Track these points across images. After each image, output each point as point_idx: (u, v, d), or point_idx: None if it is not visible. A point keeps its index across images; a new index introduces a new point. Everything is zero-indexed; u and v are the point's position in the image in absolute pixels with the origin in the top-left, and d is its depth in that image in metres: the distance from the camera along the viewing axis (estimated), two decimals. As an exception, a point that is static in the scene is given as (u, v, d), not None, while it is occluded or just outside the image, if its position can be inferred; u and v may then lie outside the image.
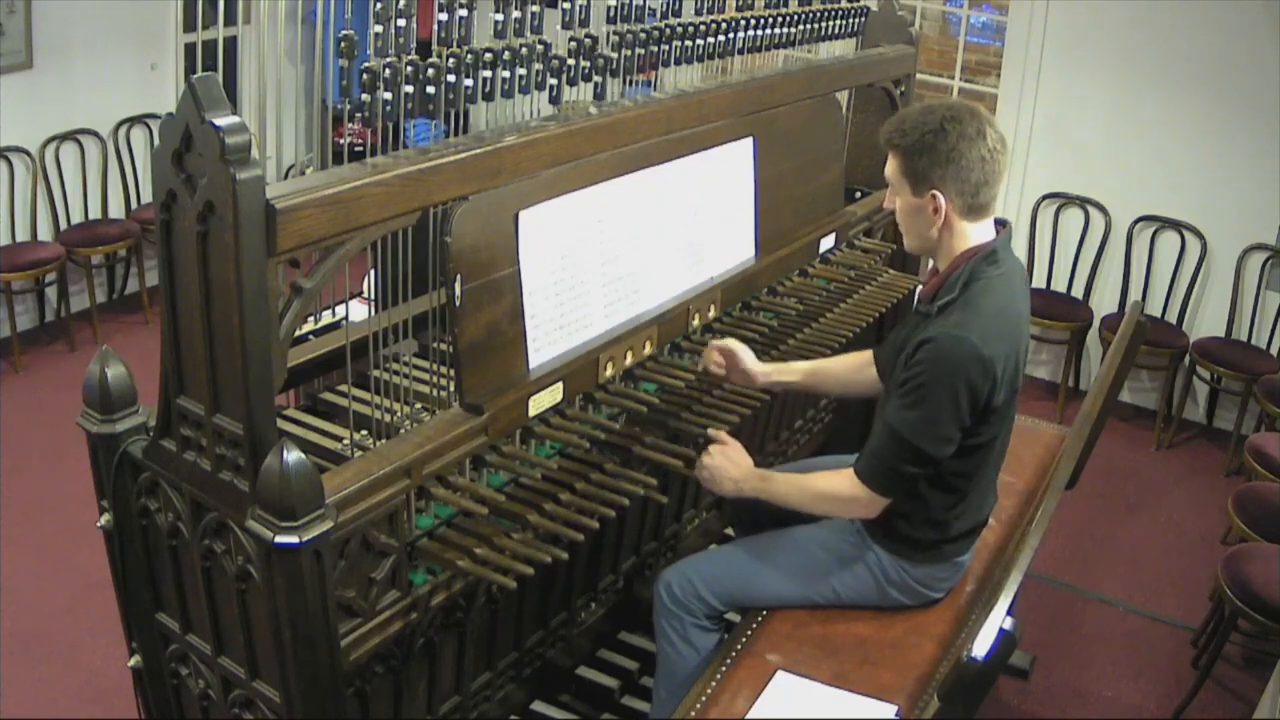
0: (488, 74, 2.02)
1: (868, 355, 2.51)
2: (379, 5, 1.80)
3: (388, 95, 1.85)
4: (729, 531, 3.07)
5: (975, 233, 2.11)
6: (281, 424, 1.99)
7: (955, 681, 1.90)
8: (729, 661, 2.19)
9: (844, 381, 2.54)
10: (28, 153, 4.99)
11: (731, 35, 2.70)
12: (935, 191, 2.06)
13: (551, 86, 2.18)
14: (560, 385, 2.19)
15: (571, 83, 2.24)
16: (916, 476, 2.12)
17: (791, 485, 2.25)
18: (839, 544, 2.29)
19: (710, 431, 2.34)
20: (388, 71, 1.84)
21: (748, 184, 2.84)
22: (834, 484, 2.19)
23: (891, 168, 2.13)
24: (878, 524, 2.23)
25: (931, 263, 2.22)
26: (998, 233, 2.15)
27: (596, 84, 2.29)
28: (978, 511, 2.28)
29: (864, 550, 2.27)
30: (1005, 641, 1.85)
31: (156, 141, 1.68)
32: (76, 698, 3.06)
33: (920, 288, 2.25)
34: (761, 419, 3.04)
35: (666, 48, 2.49)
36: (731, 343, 2.46)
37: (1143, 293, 5.09)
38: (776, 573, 2.31)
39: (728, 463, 2.27)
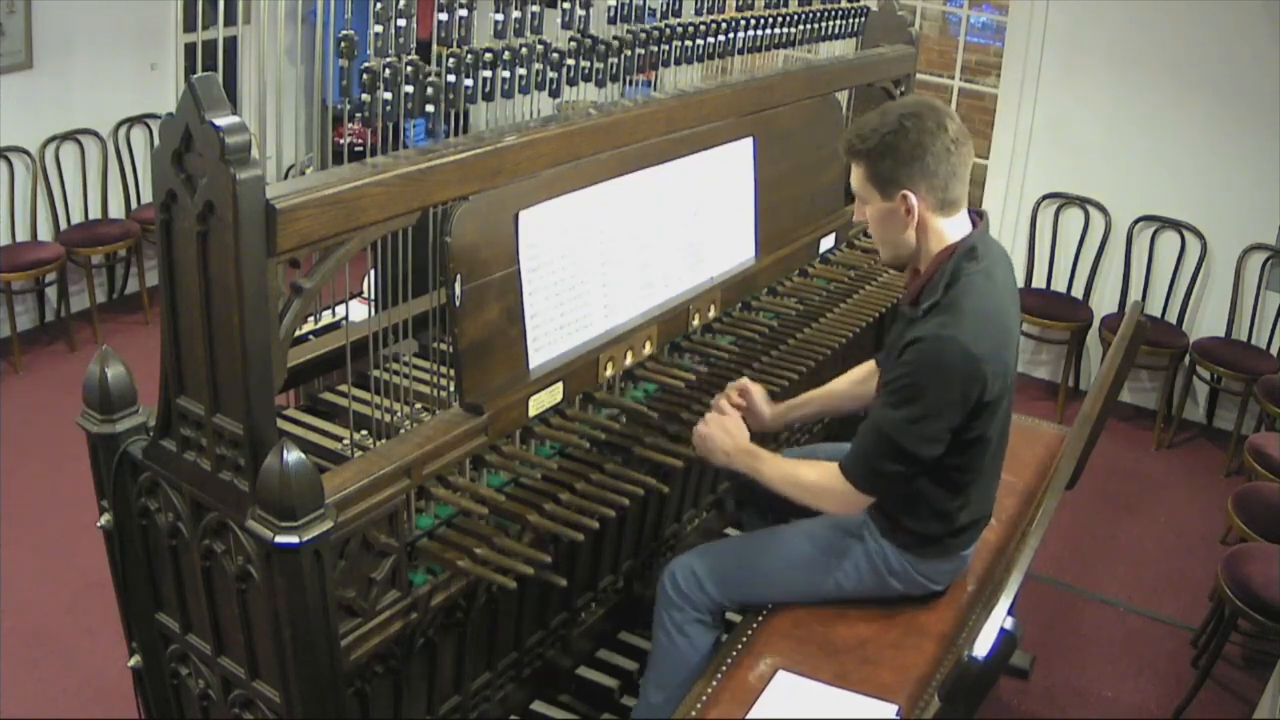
0: (488, 74, 2.02)
1: (870, 365, 2.52)
2: (379, 5, 1.80)
3: (388, 95, 1.85)
4: (729, 532, 3.07)
5: (950, 229, 2.10)
6: (281, 424, 1.99)
7: (956, 681, 1.90)
8: (729, 661, 2.19)
9: (853, 395, 2.54)
10: (28, 153, 4.99)
11: (731, 35, 2.70)
12: (905, 192, 2.04)
13: (552, 80, 2.18)
14: (560, 385, 2.19)
15: (571, 82, 2.24)
16: (901, 475, 2.11)
17: (779, 470, 2.24)
18: (844, 537, 2.29)
19: (713, 401, 2.34)
20: (388, 71, 1.84)
21: (748, 184, 2.84)
22: (818, 476, 2.19)
23: (857, 177, 2.11)
24: (883, 518, 2.23)
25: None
26: (974, 225, 2.13)
27: (598, 72, 2.29)
28: (981, 503, 2.28)
29: (869, 543, 2.27)
30: (1006, 641, 1.85)
31: (156, 141, 1.68)
32: (76, 698, 3.06)
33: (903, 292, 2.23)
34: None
35: (666, 48, 2.49)
36: (749, 382, 2.44)
37: (1143, 293, 5.09)
38: (780, 565, 2.31)
39: (723, 434, 2.26)
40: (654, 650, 2.36)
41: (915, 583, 2.29)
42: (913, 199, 2.05)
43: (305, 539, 1.61)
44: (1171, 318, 5.03)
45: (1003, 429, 2.21)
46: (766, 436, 3.12)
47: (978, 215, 2.16)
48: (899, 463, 2.08)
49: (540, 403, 2.14)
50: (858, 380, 2.54)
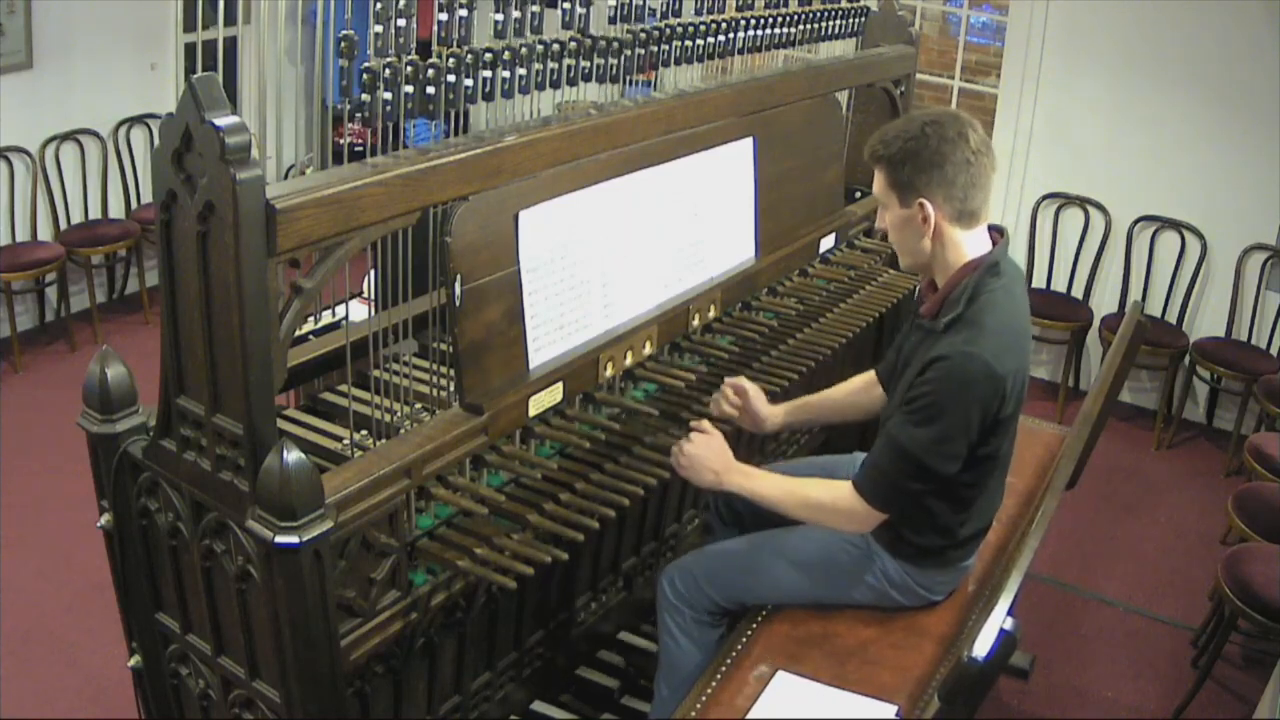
0: (488, 74, 2.02)
1: (869, 376, 2.51)
2: (379, 5, 1.80)
3: (388, 95, 1.85)
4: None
5: (970, 243, 2.08)
6: (281, 424, 1.99)
7: (955, 682, 1.90)
8: (729, 661, 2.19)
9: (850, 406, 2.53)
10: (28, 153, 4.99)
11: (731, 35, 2.70)
12: (923, 200, 2.04)
13: (552, 71, 2.17)
14: (560, 385, 2.19)
15: (572, 82, 2.24)
16: (921, 493, 2.10)
17: (779, 488, 2.21)
18: (842, 546, 2.28)
19: (693, 423, 2.31)
20: (388, 71, 1.84)
21: (748, 184, 2.84)
22: (829, 494, 2.16)
23: (878, 183, 2.10)
24: (883, 530, 2.21)
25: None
26: (994, 241, 2.12)
27: (601, 69, 2.28)
28: (984, 517, 2.27)
29: (868, 553, 2.26)
30: (1005, 642, 1.85)
31: (156, 141, 1.68)
32: (76, 698, 3.06)
33: (919, 303, 2.21)
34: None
35: (666, 48, 2.49)
36: (745, 381, 2.44)
37: (1143, 293, 5.09)
38: (777, 571, 2.31)
39: (709, 452, 2.22)
40: (661, 652, 2.36)
41: (915, 594, 2.29)
42: (929, 207, 2.04)
43: (305, 539, 1.61)
44: (1171, 318, 5.03)
45: (1011, 444, 2.20)
46: (754, 448, 3.12)
47: (998, 232, 2.14)
48: (921, 481, 2.06)
49: (540, 403, 2.14)
50: (855, 390, 2.53)
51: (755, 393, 2.43)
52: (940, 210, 2.04)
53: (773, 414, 2.46)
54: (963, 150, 2.01)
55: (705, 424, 2.29)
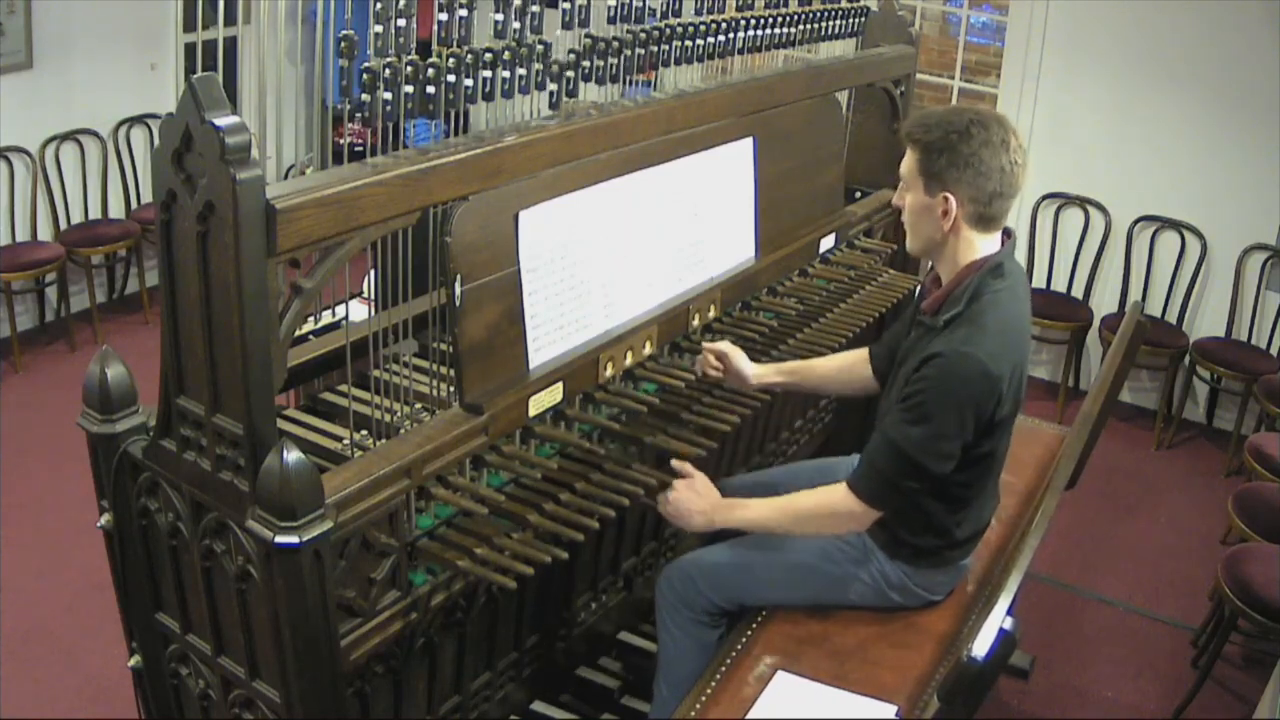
0: (488, 74, 2.02)
1: (861, 353, 2.50)
2: (379, 5, 1.80)
3: (388, 95, 1.85)
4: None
5: (982, 244, 2.08)
6: (281, 424, 1.99)
7: (955, 681, 1.90)
8: (729, 661, 2.19)
9: (836, 380, 2.55)
10: (28, 153, 4.98)
11: (731, 35, 2.70)
12: (948, 194, 2.03)
13: (551, 93, 2.18)
14: (560, 385, 2.19)
15: (571, 93, 2.23)
16: (916, 491, 2.10)
17: (771, 509, 2.21)
18: (840, 548, 2.28)
19: (674, 463, 2.28)
20: (388, 71, 1.84)
21: (748, 184, 2.84)
22: (823, 499, 2.17)
23: (908, 163, 2.09)
24: (879, 531, 2.21)
25: (931, 267, 2.20)
26: (1002, 243, 2.12)
27: (599, 75, 2.29)
28: (979, 517, 2.27)
29: (865, 555, 2.26)
30: (1005, 641, 1.85)
31: (156, 141, 1.68)
32: (76, 698, 3.06)
33: (921, 298, 2.21)
34: (761, 419, 3.04)
35: (666, 48, 2.49)
36: (725, 346, 2.47)
37: (1143, 293, 5.09)
38: (775, 573, 2.31)
39: (693, 494, 2.22)
40: (661, 652, 2.37)
41: (913, 594, 2.29)
42: (952, 203, 2.03)
43: (305, 539, 1.61)
44: (1171, 318, 5.03)
45: (1006, 445, 2.20)
46: (754, 447, 3.12)
47: (1005, 234, 2.14)
48: (916, 479, 2.07)
49: (540, 403, 2.14)
50: (844, 366, 2.53)
51: (736, 353, 2.46)
52: (963, 208, 2.04)
53: (758, 372, 2.48)
54: (1001, 158, 2.00)
55: (686, 466, 2.27)
